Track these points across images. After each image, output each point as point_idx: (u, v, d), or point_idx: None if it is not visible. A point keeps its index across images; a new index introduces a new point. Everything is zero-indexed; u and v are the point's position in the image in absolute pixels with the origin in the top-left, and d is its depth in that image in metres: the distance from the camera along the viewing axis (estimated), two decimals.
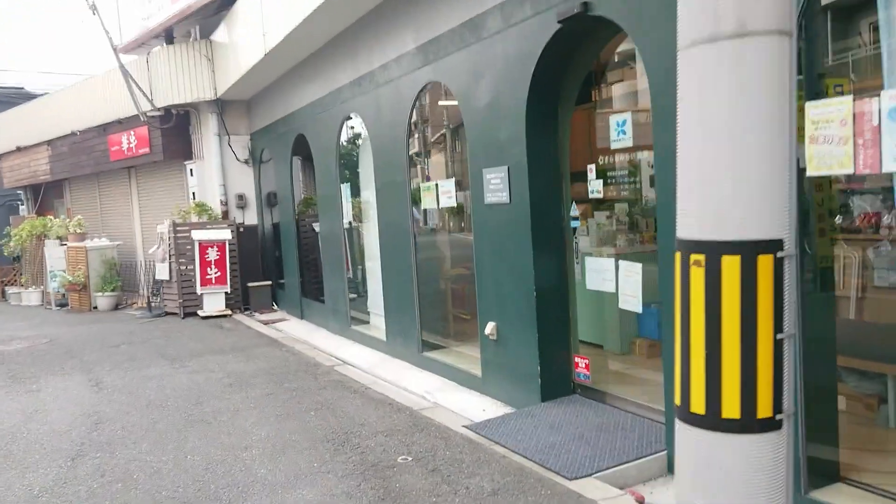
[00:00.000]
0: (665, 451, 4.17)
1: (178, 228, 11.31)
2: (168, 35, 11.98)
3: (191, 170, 12.64)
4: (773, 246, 1.86)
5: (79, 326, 11.20)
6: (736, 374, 1.88)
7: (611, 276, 4.93)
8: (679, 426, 2.04)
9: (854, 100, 2.93)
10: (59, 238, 13.84)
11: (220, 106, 12.05)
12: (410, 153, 7.02)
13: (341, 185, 8.83)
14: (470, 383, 6.07)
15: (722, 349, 1.89)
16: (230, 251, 11.44)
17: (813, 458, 3.36)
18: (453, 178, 6.59)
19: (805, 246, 3.38)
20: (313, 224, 10.60)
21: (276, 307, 11.91)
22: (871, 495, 3.29)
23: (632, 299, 4.71)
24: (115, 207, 15.05)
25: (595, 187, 5.21)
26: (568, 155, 5.33)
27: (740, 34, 1.81)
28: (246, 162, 12.44)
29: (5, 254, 15.62)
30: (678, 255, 2.00)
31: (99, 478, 4.46)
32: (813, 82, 3.37)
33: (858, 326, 4.09)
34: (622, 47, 5.80)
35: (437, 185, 6.66)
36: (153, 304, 12.23)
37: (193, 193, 12.54)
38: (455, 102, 6.07)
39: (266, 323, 10.61)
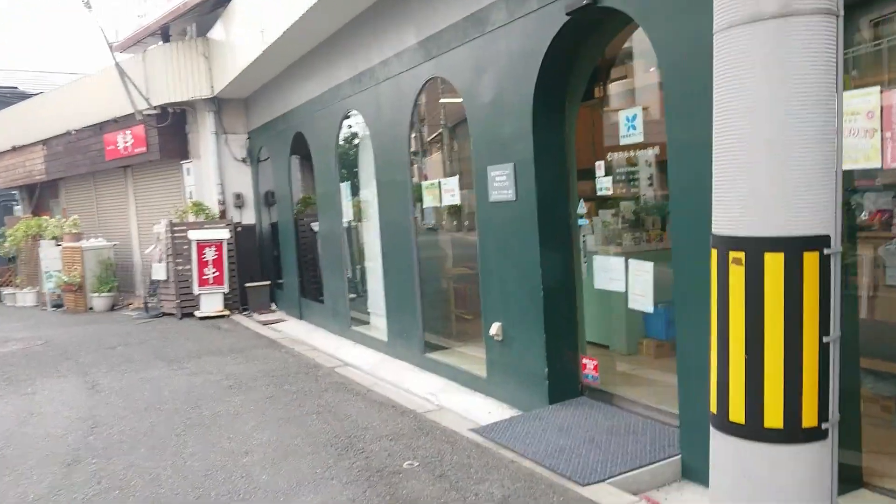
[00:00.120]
0: (679, 456, 4.05)
1: (175, 228, 11.16)
2: (164, 33, 11.86)
3: (188, 169, 12.48)
4: (819, 242, 1.73)
5: (74, 327, 11.04)
6: (779, 380, 1.74)
7: (619, 276, 4.82)
8: (715, 435, 1.90)
9: (882, 91, 2.82)
10: (55, 238, 13.68)
11: (218, 104, 11.91)
12: (411, 151, 6.90)
13: (340, 184, 8.70)
14: (474, 385, 5.94)
15: (764, 353, 1.75)
16: (228, 251, 11.31)
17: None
18: (457, 176, 6.46)
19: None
20: (312, 223, 10.47)
21: (274, 307, 11.77)
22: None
23: (642, 298, 4.61)
24: (112, 207, 14.90)
25: (603, 184, 5.10)
26: (574, 151, 5.22)
27: (784, 13, 1.67)
28: (243, 161, 12.30)
29: (0, 254, 15.46)
30: (714, 253, 1.86)
31: (95, 485, 4.33)
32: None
33: (872, 326, 3.99)
34: (626, 44, 5.70)
35: (439, 182, 6.54)
36: (150, 305, 12.10)
37: (190, 193, 12.38)
38: (454, 99, 5.95)
39: (264, 323, 10.48)
